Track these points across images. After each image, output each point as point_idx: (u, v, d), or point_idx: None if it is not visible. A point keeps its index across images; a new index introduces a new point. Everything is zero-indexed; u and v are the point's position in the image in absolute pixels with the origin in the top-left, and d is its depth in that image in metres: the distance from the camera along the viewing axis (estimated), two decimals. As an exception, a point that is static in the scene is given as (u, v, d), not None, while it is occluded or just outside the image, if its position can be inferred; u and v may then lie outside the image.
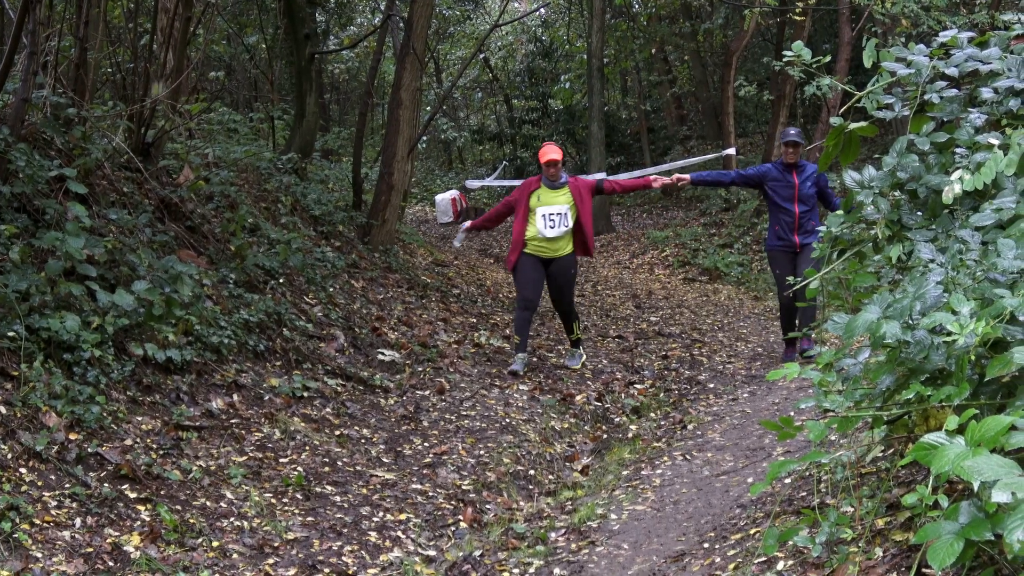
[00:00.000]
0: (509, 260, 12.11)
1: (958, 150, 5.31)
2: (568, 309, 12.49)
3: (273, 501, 7.52)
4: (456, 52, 39.43)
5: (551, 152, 12.06)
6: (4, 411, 6.70)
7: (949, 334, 3.82)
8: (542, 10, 37.16)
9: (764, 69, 26.68)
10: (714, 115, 29.33)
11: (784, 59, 6.68)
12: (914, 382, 4.09)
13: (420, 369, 11.26)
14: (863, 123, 5.91)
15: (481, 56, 36.56)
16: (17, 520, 5.98)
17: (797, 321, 11.94)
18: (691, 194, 27.27)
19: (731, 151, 22.55)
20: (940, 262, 4.46)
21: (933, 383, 4.11)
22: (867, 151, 20.95)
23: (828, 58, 6.45)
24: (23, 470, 6.47)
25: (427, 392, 10.65)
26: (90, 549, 6.08)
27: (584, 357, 12.83)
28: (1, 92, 8.84)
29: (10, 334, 7.22)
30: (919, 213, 5.39)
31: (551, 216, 11.88)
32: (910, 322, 4.08)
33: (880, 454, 5.51)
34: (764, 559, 5.25)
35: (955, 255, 4.44)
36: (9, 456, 6.48)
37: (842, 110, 6.22)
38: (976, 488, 3.26)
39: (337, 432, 9.01)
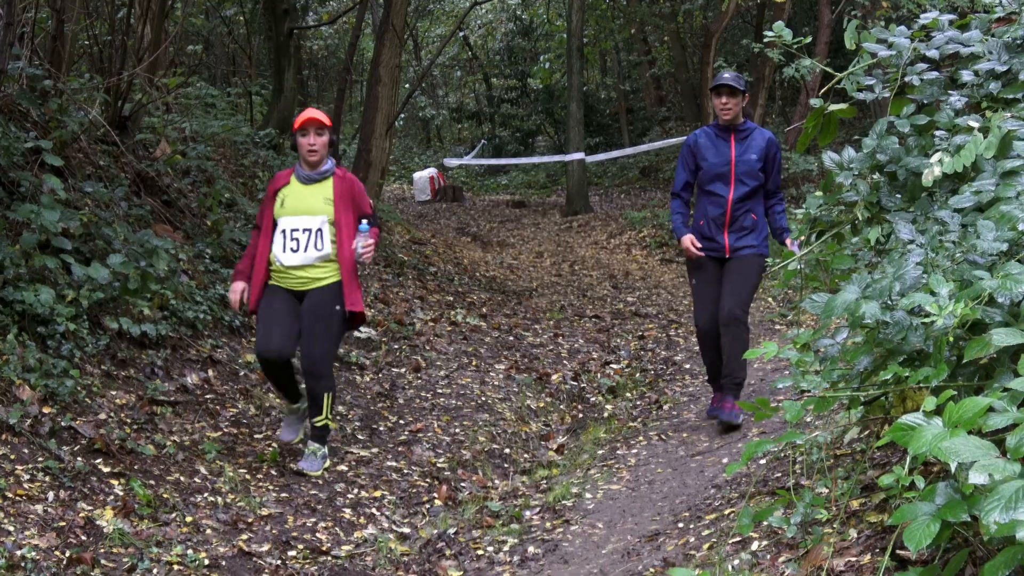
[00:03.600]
0: (253, 297, 7.86)
1: (938, 132, 5.30)
2: (320, 370, 7.75)
3: (247, 477, 7.51)
4: (436, 29, 39.36)
5: (310, 111, 7.91)
6: (-23, 383, 6.67)
7: (928, 315, 3.82)
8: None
9: (744, 51, 26.65)
10: (693, 96, 29.31)
11: (764, 40, 6.67)
12: (892, 363, 4.09)
13: (396, 347, 11.24)
14: (843, 105, 5.90)
15: (461, 34, 36.50)
16: (-11, 493, 5.94)
17: (724, 360, 8.59)
18: (669, 175, 27.24)
19: (710, 132, 22.61)
20: (919, 243, 4.46)
21: (911, 364, 4.11)
22: (846, 133, 20.95)
23: (808, 39, 6.43)
24: (-5, 443, 6.44)
25: (403, 370, 10.64)
26: (63, 523, 6.05)
27: (328, 461, 8.00)
28: (-23, 63, 8.77)
29: (-17, 306, 7.18)
30: (898, 195, 5.39)
31: (294, 232, 7.70)
32: (889, 303, 4.07)
33: (856, 435, 5.52)
34: (739, 539, 5.26)
35: (934, 236, 4.43)
36: (-19, 429, 6.45)
37: (822, 91, 6.21)
38: (953, 469, 3.26)
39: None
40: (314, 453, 7.89)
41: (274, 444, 8.07)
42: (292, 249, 7.69)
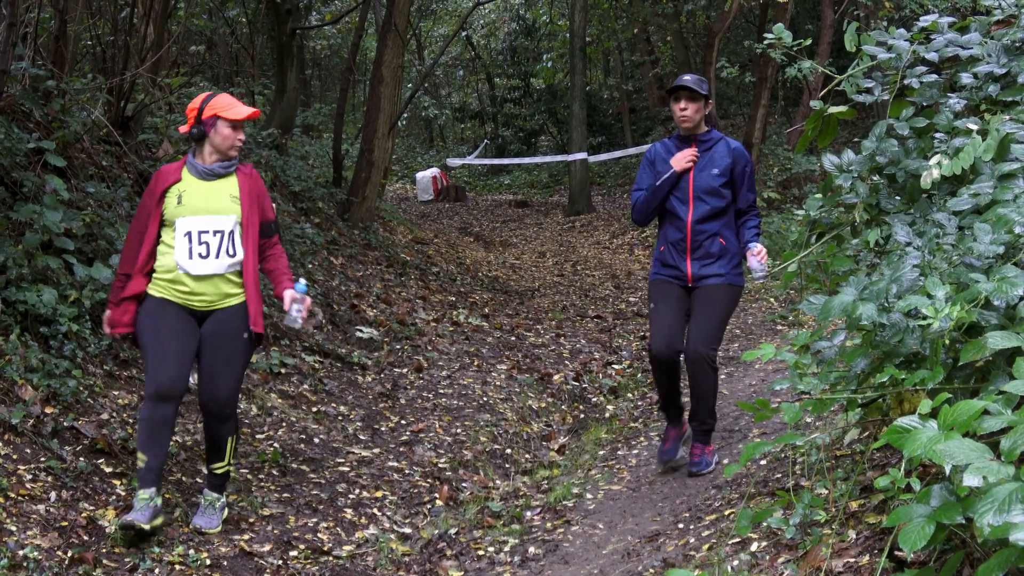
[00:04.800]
0: (126, 321, 6.53)
1: (937, 135, 5.33)
2: (226, 412, 6.58)
3: (249, 477, 7.52)
4: (438, 29, 39.36)
5: (254, 109, 6.81)
6: (-20, 384, 6.69)
7: (924, 318, 3.84)
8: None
9: (746, 51, 26.62)
10: (696, 96, 29.27)
11: (766, 41, 6.69)
12: (888, 365, 4.11)
13: (398, 347, 11.25)
14: (843, 107, 5.92)
15: (463, 34, 36.51)
16: (-9, 493, 5.97)
17: (692, 403, 7.54)
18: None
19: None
20: (917, 245, 4.48)
21: (907, 366, 4.13)
22: (847, 135, 21.00)
23: (810, 41, 6.46)
24: (-2, 443, 6.46)
25: (405, 370, 10.65)
26: (65, 523, 6.07)
27: (227, 512, 6.80)
28: (-20, 63, 8.78)
29: (-14, 307, 7.20)
30: (897, 197, 5.41)
31: (202, 235, 6.50)
32: (886, 305, 4.10)
33: (855, 437, 5.54)
34: (738, 540, 5.28)
35: (932, 239, 4.46)
36: (-16, 429, 6.47)
37: (822, 93, 6.24)
38: (948, 472, 3.28)
39: (314, 409, 9.00)
40: (212, 504, 6.66)
41: (276, 444, 8.09)
42: (201, 255, 6.46)
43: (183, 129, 6.75)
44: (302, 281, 6.72)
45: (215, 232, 6.51)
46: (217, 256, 6.50)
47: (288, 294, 6.67)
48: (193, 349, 6.45)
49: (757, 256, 7.17)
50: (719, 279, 7.35)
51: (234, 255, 6.55)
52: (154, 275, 6.52)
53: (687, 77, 7.45)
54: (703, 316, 7.30)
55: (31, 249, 7.69)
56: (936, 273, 4.14)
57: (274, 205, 6.97)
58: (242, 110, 6.66)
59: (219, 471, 6.72)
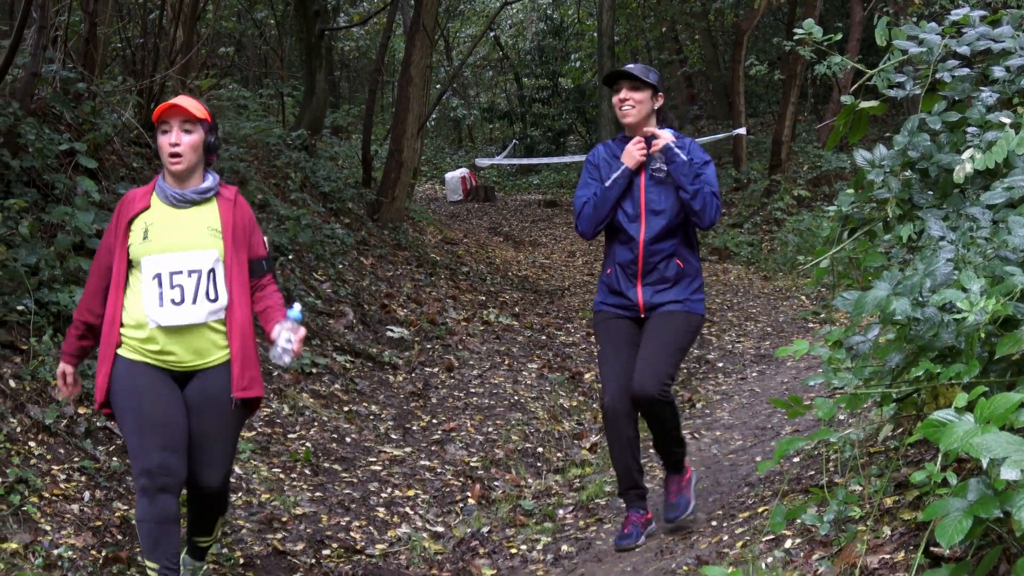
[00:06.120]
0: (98, 385, 5.23)
1: (969, 129, 5.29)
2: (214, 497, 5.39)
3: (282, 476, 7.54)
4: (466, 30, 39.39)
5: (177, 99, 5.32)
6: (13, 385, 6.71)
7: (959, 312, 3.81)
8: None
9: (775, 48, 26.58)
10: (724, 95, 29.29)
11: (795, 38, 6.66)
12: (923, 360, 4.09)
13: (429, 346, 11.26)
14: (874, 102, 5.90)
15: (491, 34, 36.52)
16: (26, 493, 5.99)
17: (655, 440, 6.46)
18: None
19: (741, 131, 22.53)
20: (951, 240, 4.45)
21: (942, 361, 4.11)
22: (877, 131, 20.91)
23: (839, 37, 6.43)
24: (32, 443, 6.48)
25: (436, 369, 10.66)
26: (99, 523, 6.09)
27: None
28: (11, 66, 8.83)
29: (19, 308, 7.22)
30: (930, 192, 5.38)
31: (174, 277, 5.16)
32: (920, 299, 4.07)
33: (889, 433, 5.51)
34: (772, 537, 5.26)
35: (965, 233, 4.43)
36: (18, 429, 6.49)
37: (852, 88, 6.20)
38: (985, 465, 3.25)
39: (346, 408, 9.02)
40: (193, 574, 5.69)
41: (308, 443, 8.10)
42: (174, 301, 5.13)
43: None
44: (296, 307, 5.37)
45: (190, 272, 5.16)
46: (195, 302, 5.15)
47: (277, 325, 5.27)
48: (183, 422, 5.15)
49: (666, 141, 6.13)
50: (676, 306, 6.21)
51: (216, 299, 5.21)
52: (123, 331, 5.21)
53: (630, 64, 6.34)
54: (653, 348, 6.12)
55: (63, 251, 7.72)
56: (970, 267, 4.11)
57: (265, 240, 5.55)
58: (159, 108, 5.27)
59: (203, 544, 5.65)
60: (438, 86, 30.65)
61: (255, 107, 17.05)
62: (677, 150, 6.14)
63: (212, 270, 5.20)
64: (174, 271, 5.14)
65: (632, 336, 6.26)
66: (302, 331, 5.28)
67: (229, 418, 5.25)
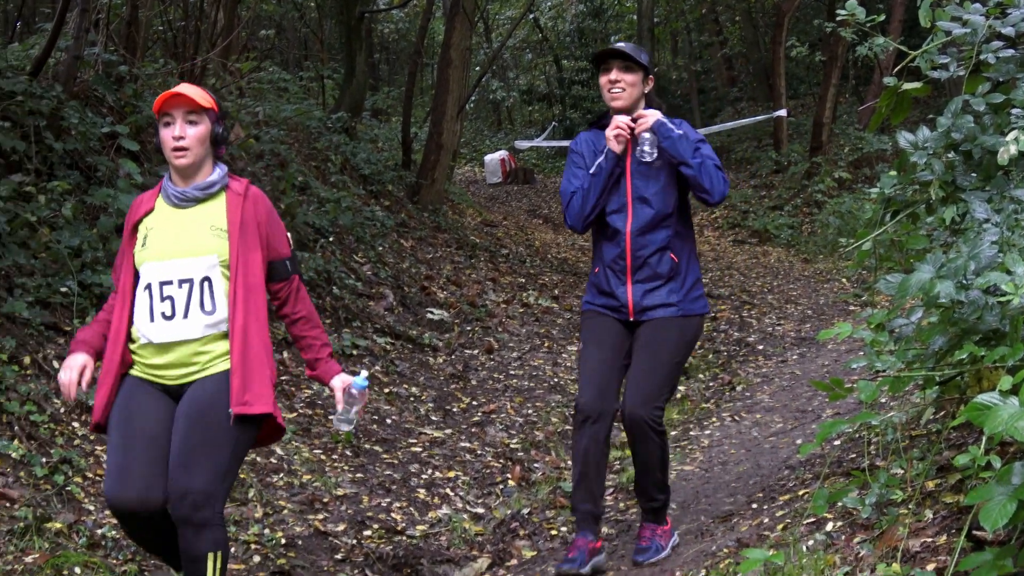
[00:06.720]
0: (96, 405, 4.72)
1: (1014, 111, 5.25)
2: (201, 515, 4.46)
3: (323, 457, 7.57)
4: (506, 12, 39.30)
5: (179, 87, 4.78)
6: (57, 366, 6.75)
7: (1003, 294, 3.79)
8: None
9: (816, 30, 26.42)
10: (765, 76, 29.12)
11: (837, 19, 6.61)
12: (967, 343, 4.06)
13: (469, 328, 11.28)
14: (916, 83, 5.86)
15: (531, 16, 36.45)
16: (70, 473, 6.05)
17: (636, 474, 5.81)
18: (741, 156, 27.10)
19: (782, 113, 22.40)
20: (995, 222, 4.42)
21: (986, 343, 4.08)
22: (920, 113, 20.77)
23: (882, 18, 6.38)
24: (76, 424, 6.54)
25: (476, 351, 10.68)
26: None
27: None
28: (54, 49, 8.88)
29: (63, 290, 7.28)
30: (974, 174, 5.34)
31: (165, 287, 4.65)
32: (964, 282, 4.05)
33: (932, 416, 5.49)
34: (813, 520, 5.25)
35: (1010, 215, 4.40)
36: (62, 410, 6.55)
37: (895, 70, 6.16)
38: (1029, 449, 3.24)
39: (386, 390, 9.05)
40: None
41: (348, 425, 8.13)
42: (165, 315, 4.62)
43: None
44: (363, 373, 4.91)
45: (181, 282, 4.64)
46: (186, 316, 4.62)
47: (340, 386, 4.85)
48: (164, 452, 4.60)
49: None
50: (670, 310, 5.64)
51: (213, 311, 4.64)
52: (132, 347, 4.75)
53: (621, 43, 5.82)
54: (645, 366, 5.58)
55: (106, 233, 7.77)
56: (1015, 249, 4.08)
57: (289, 237, 5.00)
58: (159, 98, 4.78)
59: None
60: (477, 68, 30.59)
61: (295, 90, 17.12)
62: (671, 125, 5.63)
63: (207, 279, 4.65)
64: (164, 281, 4.64)
65: (618, 339, 5.71)
66: (365, 399, 4.90)
67: (221, 426, 4.54)
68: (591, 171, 5.67)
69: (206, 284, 4.63)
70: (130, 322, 4.70)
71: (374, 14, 24.34)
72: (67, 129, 8.37)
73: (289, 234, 5.00)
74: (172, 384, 4.65)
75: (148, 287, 4.63)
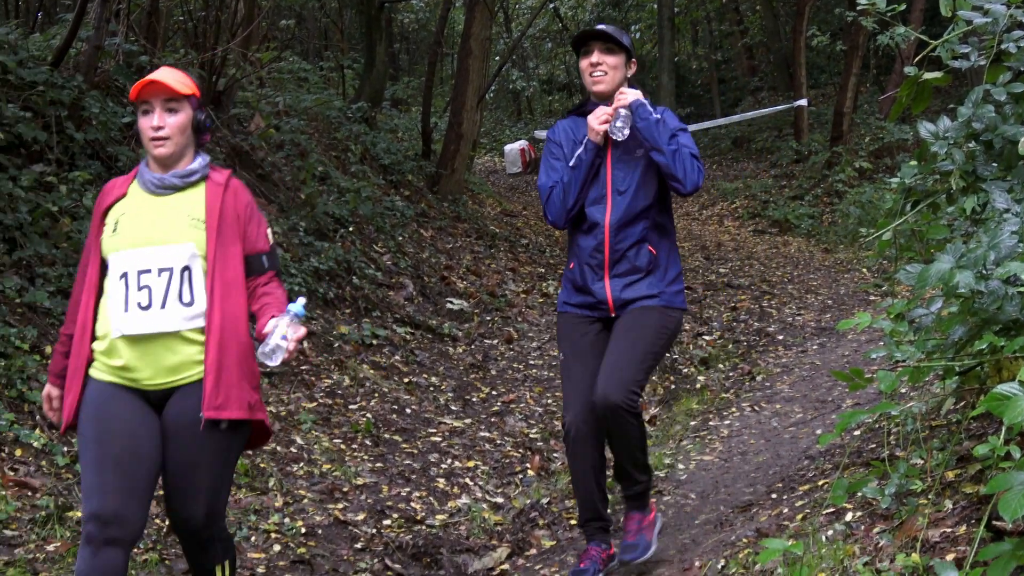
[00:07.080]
0: (66, 405, 4.43)
1: (1035, 100, 5.24)
2: (208, 533, 4.49)
3: (343, 447, 7.59)
4: (526, 1, 39.26)
5: (157, 72, 4.56)
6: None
7: (1024, 285, 3.78)
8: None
9: (837, 19, 26.34)
10: (785, 66, 29.06)
11: (858, 8, 6.59)
12: (987, 333, 4.06)
13: (488, 318, 11.29)
14: (937, 73, 5.84)
15: (551, 5, 36.41)
16: (92, 462, 6.07)
17: (615, 460, 5.64)
18: (761, 145, 27.06)
19: (803, 102, 22.34)
20: (1016, 212, 4.41)
21: (1006, 334, 4.07)
22: (941, 102, 20.71)
23: (903, 7, 6.37)
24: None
25: (495, 341, 10.69)
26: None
27: None
28: (75, 40, 8.90)
29: (84, 279, 7.30)
30: (994, 164, 5.33)
31: (142, 276, 4.36)
32: (984, 272, 4.04)
33: (952, 406, 5.48)
34: (832, 510, 5.24)
35: (1031, 205, 4.39)
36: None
37: (916, 59, 6.14)
38: (1050, 439, 3.24)
39: (406, 380, 9.06)
40: None
41: (369, 414, 8.15)
42: (140, 305, 4.33)
43: None
44: (300, 300, 4.50)
45: (160, 271, 4.36)
46: (164, 306, 4.34)
47: (273, 319, 4.42)
48: (152, 466, 4.34)
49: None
50: (651, 300, 5.43)
51: (191, 303, 4.38)
52: (94, 345, 4.44)
53: (602, 24, 5.56)
54: (621, 349, 5.34)
55: (127, 222, 7.78)
56: (1036, 239, 4.08)
57: (269, 232, 4.76)
58: (137, 85, 4.51)
59: None
60: (497, 58, 30.56)
61: (315, 80, 17.14)
62: (650, 108, 5.39)
63: (187, 268, 4.38)
64: (142, 270, 4.35)
65: (600, 344, 5.46)
66: (302, 330, 4.42)
67: (209, 441, 4.33)
68: (571, 163, 5.47)
69: (186, 273, 4.38)
70: (95, 318, 4.44)
71: (394, 4, 24.35)
72: (88, 119, 8.39)
73: (270, 231, 4.77)
74: (151, 390, 4.36)
75: (124, 276, 4.35)
